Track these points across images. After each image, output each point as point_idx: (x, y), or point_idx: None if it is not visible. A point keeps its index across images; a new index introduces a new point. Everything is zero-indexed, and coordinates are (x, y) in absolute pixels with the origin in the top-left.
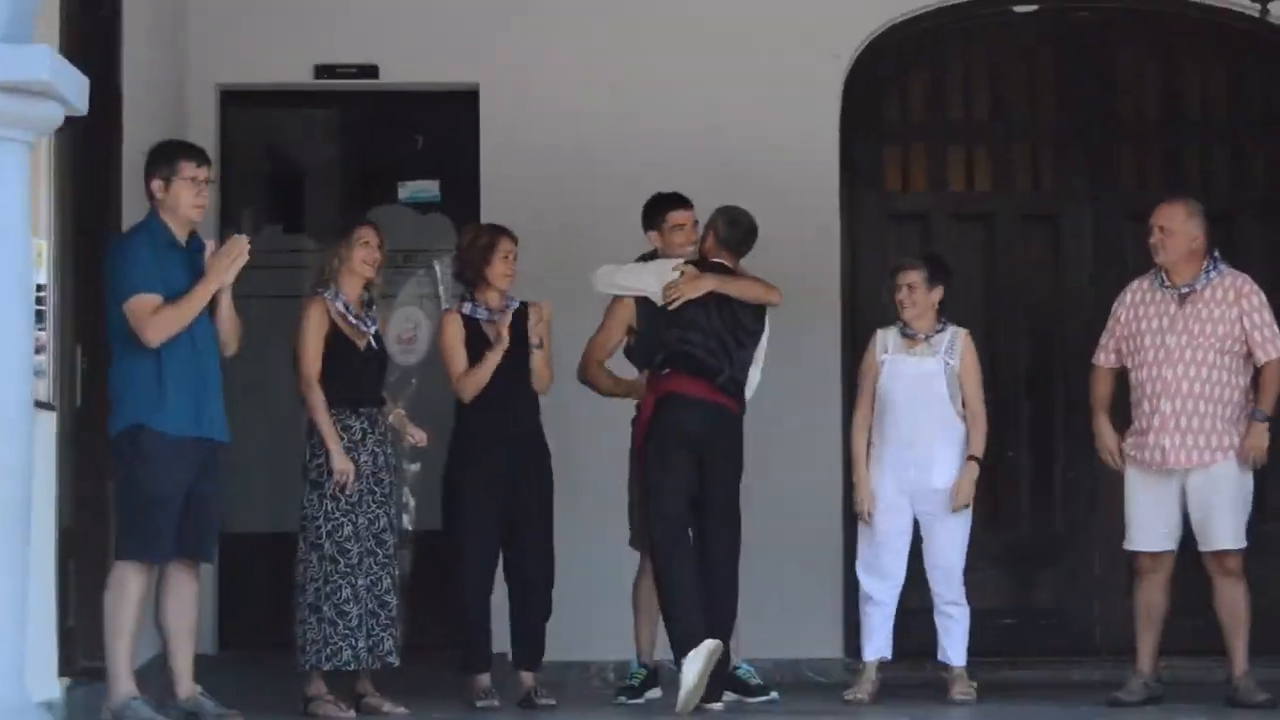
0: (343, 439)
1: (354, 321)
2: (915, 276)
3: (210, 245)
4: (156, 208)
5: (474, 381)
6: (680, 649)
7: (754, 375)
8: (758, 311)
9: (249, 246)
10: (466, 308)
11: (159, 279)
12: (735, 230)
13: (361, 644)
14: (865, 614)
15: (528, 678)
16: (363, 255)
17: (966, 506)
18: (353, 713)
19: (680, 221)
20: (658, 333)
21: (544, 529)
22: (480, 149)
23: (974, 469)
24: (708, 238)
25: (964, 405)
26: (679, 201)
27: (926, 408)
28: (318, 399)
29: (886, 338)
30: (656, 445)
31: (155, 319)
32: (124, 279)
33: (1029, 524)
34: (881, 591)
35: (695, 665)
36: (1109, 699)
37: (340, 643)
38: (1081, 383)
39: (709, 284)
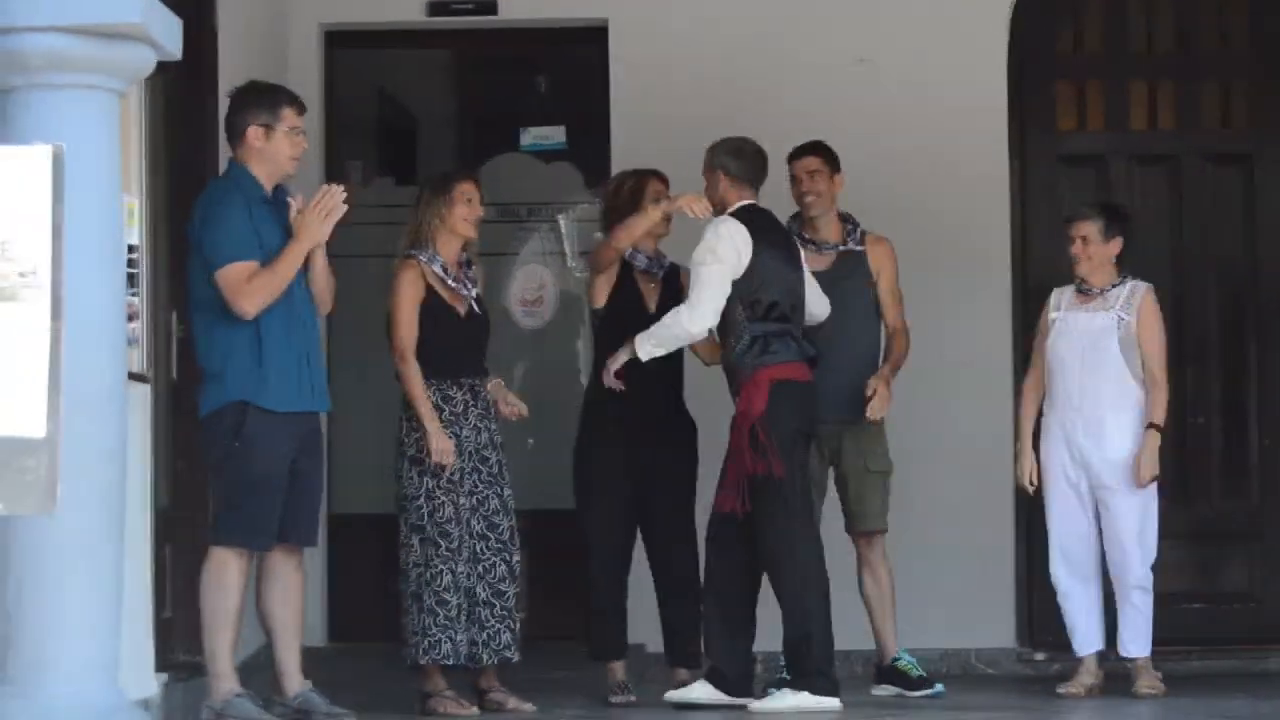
0: (443, 412)
1: (453, 285)
2: (1090, 227)
3: (297, 200)
4: (245, 157)
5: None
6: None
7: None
8: None
9: (344, 198)
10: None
11: (253, 241)
12: (745, 160)
13: (462, 636)
14: (1062, 605)
15: (681, 674)
16: (464, 213)
17: (1153, 481)
18: (475, 710)
19: (796, 172)
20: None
21: (683, 512)
22: (610, 91)
23: (1155, 438)
24: (719, 183)
25: (1143, 368)
26: (798, 149)
27: (1097, 368)
28: (413, 372)
29: (1061, 295)
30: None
31: (250, 288)
32: (216, 244)
33: (1219, 498)
34: (1070, 583)
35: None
36: None
37: (439, 634)
38: (1278, 339)
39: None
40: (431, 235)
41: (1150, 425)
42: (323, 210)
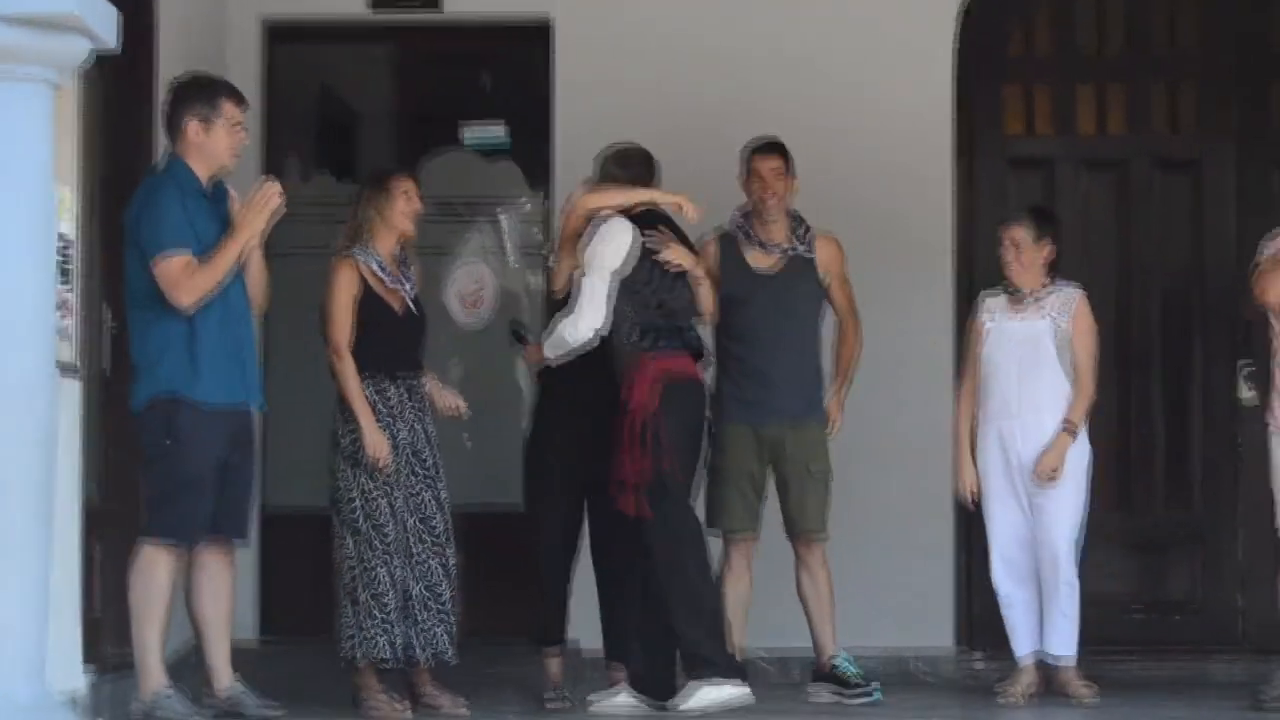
0: (378, 408)
1: (390, 282)
2: (1019, 232)
3: (234, 197)
4: (183, 150)
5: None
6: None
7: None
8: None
9: (281, 192)
10: None
11: (190, 234)
12: (633, 168)
13: (399, 635)
14: (1002, 612)
15: (618, 672)
16: (403, 208)
17: (1052, 478)
18: (408, 710)
19: (758, 168)
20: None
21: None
22: (553, 88)
23: (1066, 439)
24: (604, 185)
25: (1073, 371)
26: (760, 147)
27: (1033, 374)
28: (348, 369)
29: (993, 301)
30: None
31: (189, 281)
32: (152, 236)
33: (1162, 505)
34: (1011, 587)
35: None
36: (1252, 698)
37: (376, 633)
38: (1223, 347)
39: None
40: (370, 231)
41: (1066, 424)
42: (261, 204)
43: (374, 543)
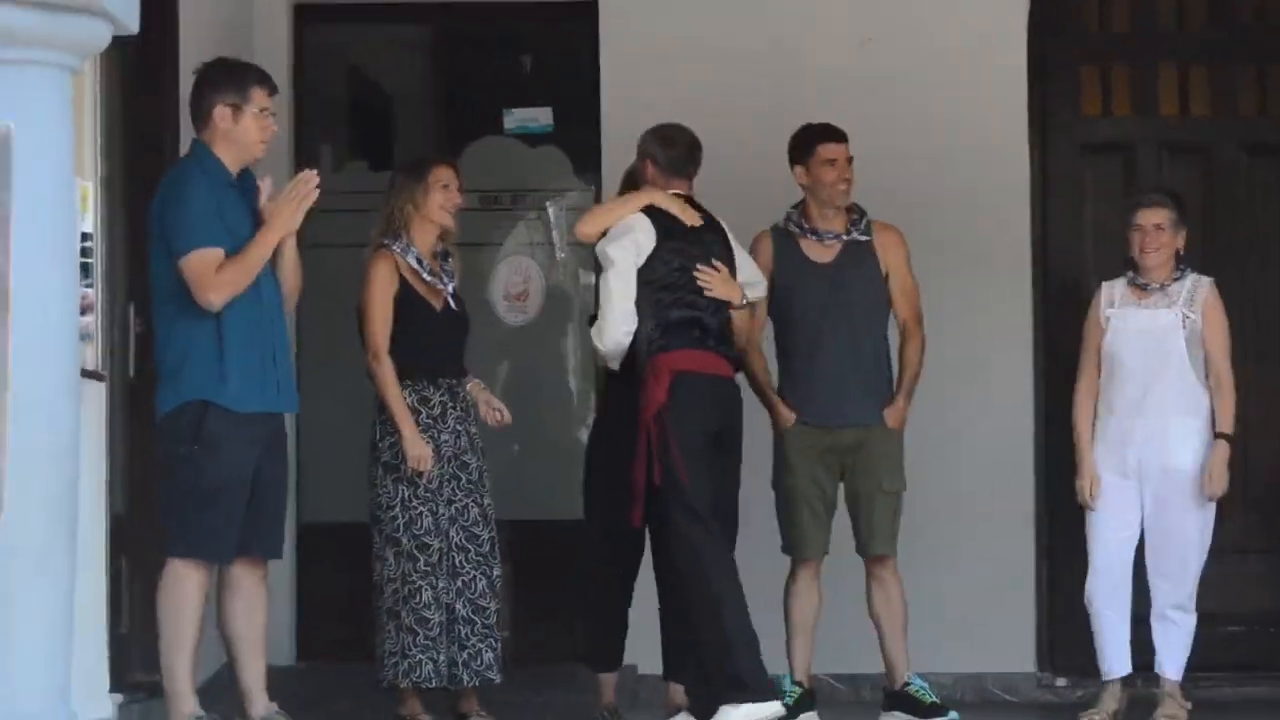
0: (419, 414)
1: (429, 278)
2: (1163, 215)
3: (266, 184)
4: (211, 138)
5: None
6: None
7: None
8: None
9: (318, 184)
10: None
11: (220, 229)
12: (674, 150)
13: (444, 657)
14: (1096, 629)
15: (678, 692)
16: (441, 200)
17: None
18: None
19: (832, 156)
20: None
21: None
22: (600, 71)
23: (1225, 448)
24: (646, 169)
25: (1207, 370)
26: (830, 133)
27: (1161, 369)
28: (387, 373)
29: (1113, 289)
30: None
31: (218, 279)
32: (179, 231)
33: (1257, 513)
34: (1107, 602)
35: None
36: None
37: (419, 655)
38: None
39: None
40: (406, 224)
41: (1219, 435)
42: (296, 197)
43: (416, 558)
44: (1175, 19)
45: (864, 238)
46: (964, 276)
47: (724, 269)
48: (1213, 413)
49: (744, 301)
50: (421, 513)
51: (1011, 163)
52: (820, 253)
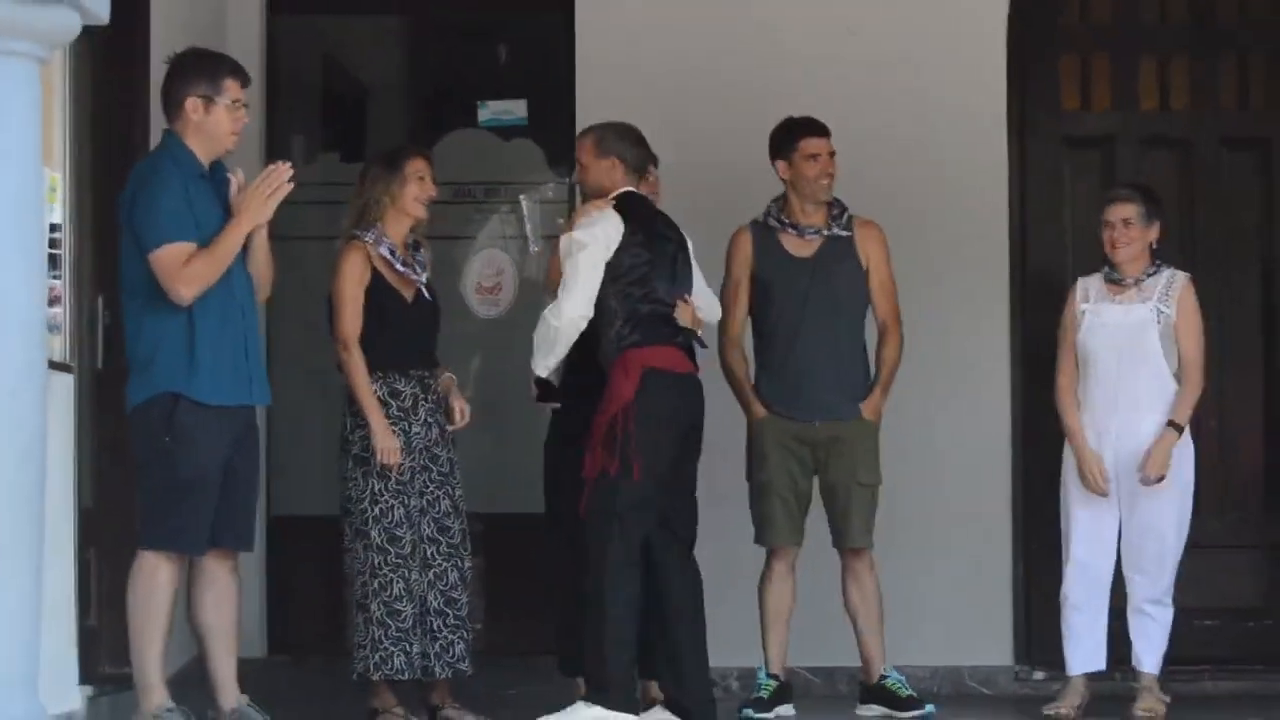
0: (390, 407)
1: (401, 269)
2: (1132, 209)
3: (237, 177)
4: (182, 130)
5: None
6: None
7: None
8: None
9: (291, 176)
10: None
11: (190, 221)
12: (640, 150)
13: (416, 649)
14: (1067, 619)
15: (654, 688)
16: (415, 192)
17: (1160, 479)
18: None
19: (814, 150)
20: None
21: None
22: (575, 63)
23: (1172, 436)
24: (614, 169)
25: (1179, 365)
26: (813, 127)
27: (1135, 365)
28: (356, 364)
29: (1088, 284)
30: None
31: (188, 272)
32: (150, 223)
33: (1233, 507)
34: (1082, 596)
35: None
36: None
37: (392, 648)
38: None
39: None
40: (379, 215)
41: (1171, 423)
42: (267, 189)
43: (387, 551)
44: (1157, 12)
45: (845, 233)
46: (942, 270)
47: (691, 302)
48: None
49: (700, 331)
50: (392, 505)
51: (990, 156)
52: (800, 247)
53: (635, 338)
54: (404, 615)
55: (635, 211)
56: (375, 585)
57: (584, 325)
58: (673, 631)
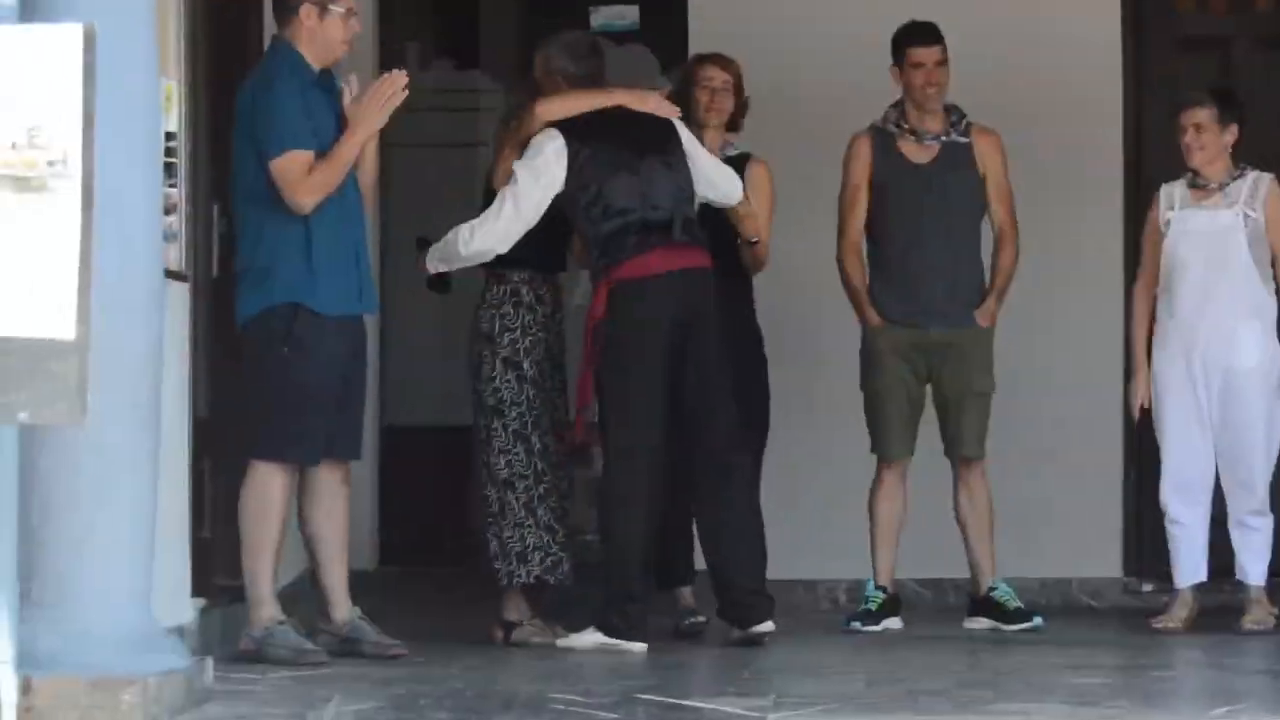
0: (536, 313)
1: None
2: (1203, 114)
3: (352, 83)
4: (294, 36)
5: None
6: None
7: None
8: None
9: (405, 84)
10: None
11: (309, 129)
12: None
13: (554, 556)
14: (1169, 532)
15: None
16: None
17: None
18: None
19: (919, 60)
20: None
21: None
22: None
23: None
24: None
25: (1273, 268)
26: (919, 35)
27: (1223, 270)
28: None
29: (1173, 191)
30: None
31: (309, 181)
32: (270, 133)
33: None
34: (1180, 509)
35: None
36: None
37: (561, 552)
38: None
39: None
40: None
41: None
42: (382, 98)
43: (536, 455)
44: None
45: (963, 139)
46: (1056, 176)
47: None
48: (1278, 314)
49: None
50: (541, 414)
51: (1105, 59)
52: (918, 153)
53: (605, 260)
54: (545, 520)
55: (580, 129)
56: (541, 490)
57: (490, 259)
58: (716, 545)
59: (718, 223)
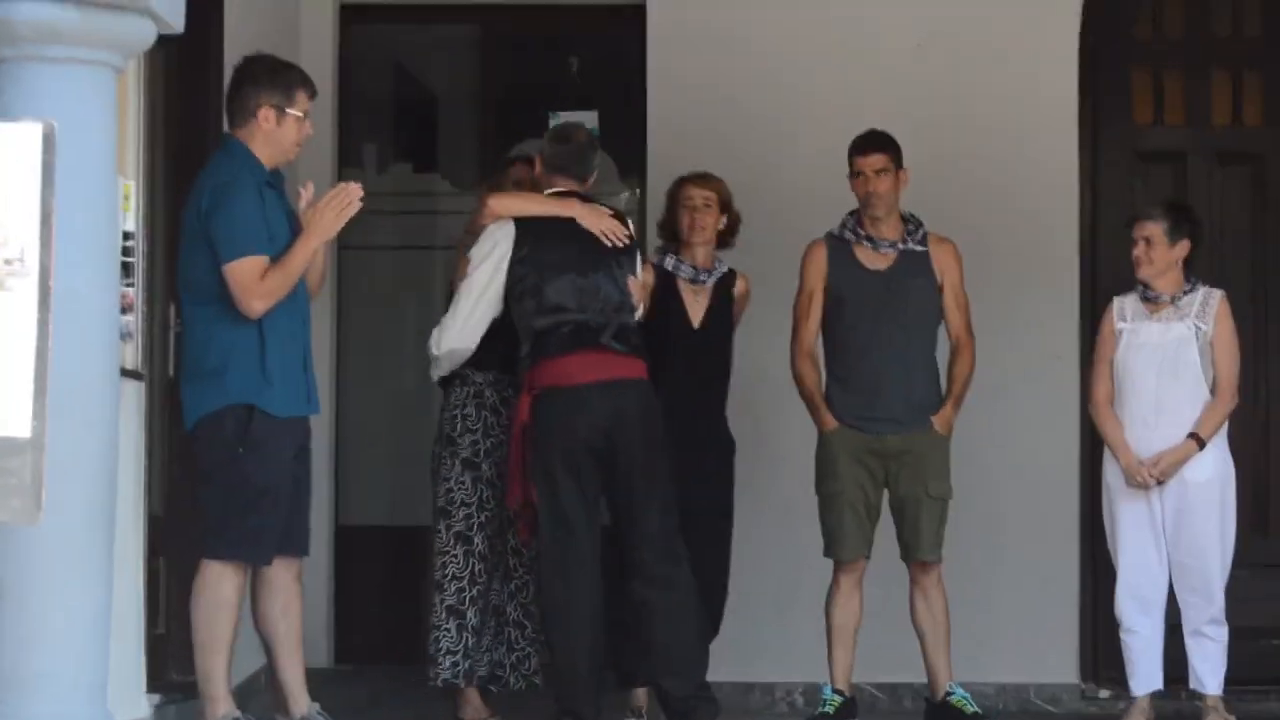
0: (500, 415)
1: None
2: (1153, 228)
3: (308, 190)
4: (249, 137)
5: None
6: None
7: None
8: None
9: (362, 195)
10: (668, 262)
11: (265, 234)
12: (564, 146)
13: (501, 659)
14: (1125, 644)
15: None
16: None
17: (1159, 483)
18: None
19: (859, 168)
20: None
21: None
22: (647, 74)
23: (1191, 448)
24: (536, 164)
25: (1214, 381)
26: (862, 145)
27: (1174, 382)
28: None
29: (1124, 304)
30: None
31: (263, 286)
32: (228, 235)
33: None
34: (1135, 618)
35: None
36: None
37: (482, 655)
38: None
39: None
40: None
41: (1193, 435)
42: (338, 206)
43: (488, 558)
44: (1230, 27)
45: (920, 248)
46: (1015, 283)
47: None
48: (1228, 426)
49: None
50: (494, 515)
51: (1063, 171)
52: (875, 260)
53: (531, 356)
54: (492, 624)
55: (536, 224)
56: (473, 592)
57: (467, 355)
58: (654, 633)
59: (706, 335)
